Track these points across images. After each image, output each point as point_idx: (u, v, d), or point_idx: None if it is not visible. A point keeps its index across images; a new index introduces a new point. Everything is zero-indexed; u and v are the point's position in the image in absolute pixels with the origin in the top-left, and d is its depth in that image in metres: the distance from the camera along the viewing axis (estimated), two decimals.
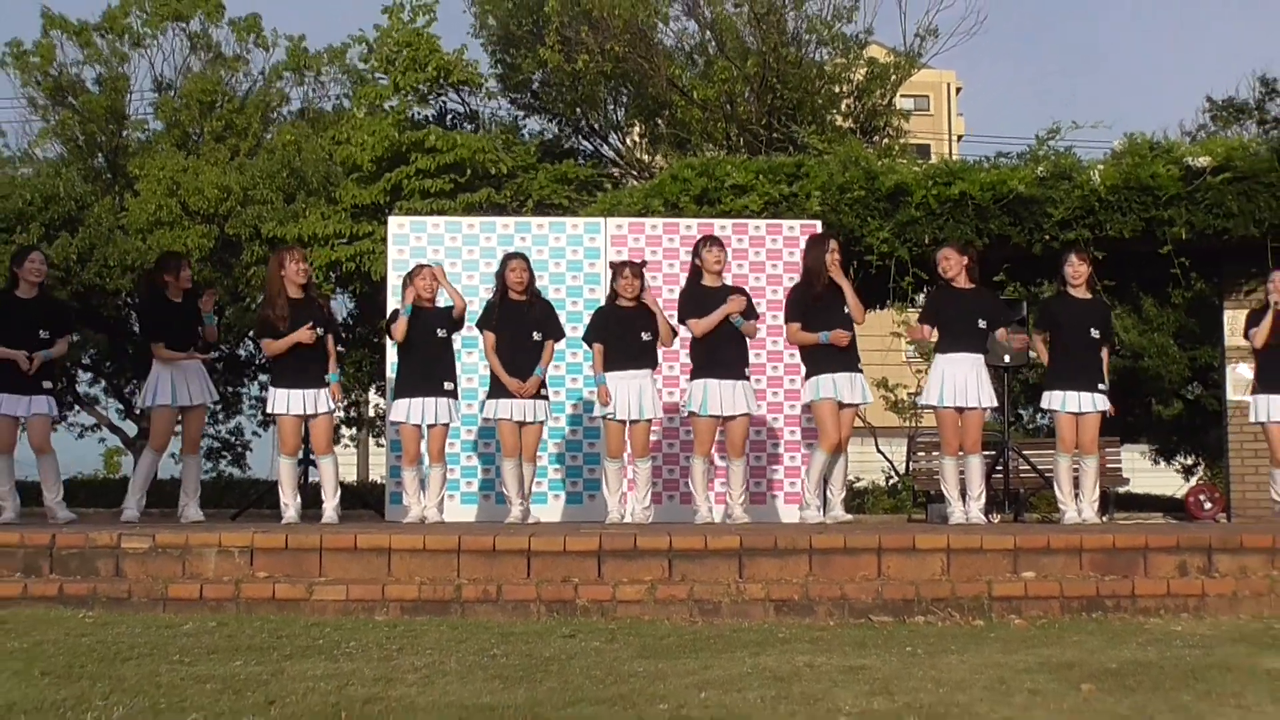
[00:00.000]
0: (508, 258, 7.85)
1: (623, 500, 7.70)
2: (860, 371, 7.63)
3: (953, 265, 7.74)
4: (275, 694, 3.55)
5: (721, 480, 7.94)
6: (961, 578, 5.39)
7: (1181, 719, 3.36)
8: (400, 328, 7.65)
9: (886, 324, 11.76)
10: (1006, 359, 10.09)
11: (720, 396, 7.47)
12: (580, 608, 5.13)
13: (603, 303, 8.05)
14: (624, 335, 7.59)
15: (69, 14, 18.57)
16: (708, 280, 7.67)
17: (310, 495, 8.33)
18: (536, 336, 7.69)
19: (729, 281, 8.07)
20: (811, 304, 7.54)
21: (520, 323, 7.68)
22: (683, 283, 8.02)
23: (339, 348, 8.11)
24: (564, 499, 9.30)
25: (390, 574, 5.38)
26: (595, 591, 5.19)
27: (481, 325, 7.79)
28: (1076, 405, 7.81)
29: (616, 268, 7.74)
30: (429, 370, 7.69)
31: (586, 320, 8.02)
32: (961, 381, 7.60)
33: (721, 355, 7.51)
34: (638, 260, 8.04)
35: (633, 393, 7.54)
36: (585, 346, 8.01)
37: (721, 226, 9.55)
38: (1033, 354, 9.10)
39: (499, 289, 7.77)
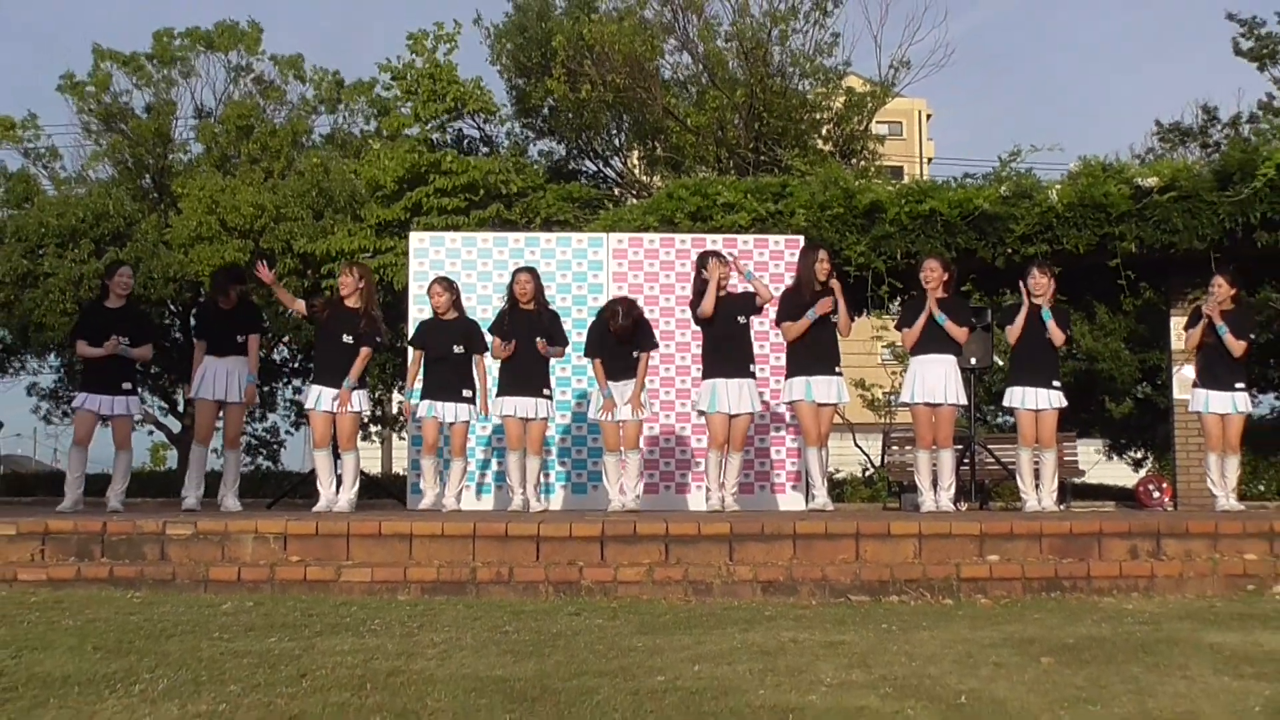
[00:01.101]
0: (516, 271, 7.88)
1: (622, 490, 7.70)
2: (839, 374, 7.63)
3: (932, 278, 7.75)
4: (306, 667, 3.55)
5: None
6: (932, 561, 5.40)
7: (1132, 689, 3.36)
8: (412, 377, 8.08)
9: (864, 330, 11.74)
10: (973, 361, 10.09)
11: (729, 395, 7.47)
12: (585, 588, 5.13)
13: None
14: (616, 348, 7.64)
15: (118, 46, 18.67)
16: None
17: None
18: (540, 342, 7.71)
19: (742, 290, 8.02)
20: (802, 309, 7.54)
21: (528, 330, 7.69)
22: (679, 291, 8.03)
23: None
24: (569, 490, 9.30)
25: (411, 557, 5.38)
26: (598, 573, 5.19)
27: (493, 330, 7.81)
28: (1035, 402, 7.82)
29: (611, 309, 7.64)
30: (450, 378, 7.80)
31: (590, 323, 8.00)
32: (933, 382, 7.62)
33: (729, 356, 7.52)
34: (635, 299, 7.98)
35: (624, 396, 7.61)
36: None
37: (713, 241, 9.56)
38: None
39: (510, 299, 7.80)
